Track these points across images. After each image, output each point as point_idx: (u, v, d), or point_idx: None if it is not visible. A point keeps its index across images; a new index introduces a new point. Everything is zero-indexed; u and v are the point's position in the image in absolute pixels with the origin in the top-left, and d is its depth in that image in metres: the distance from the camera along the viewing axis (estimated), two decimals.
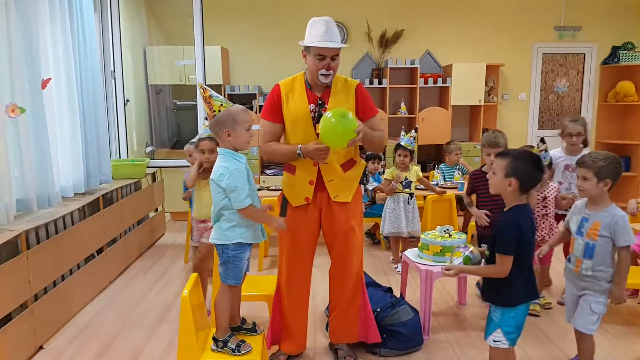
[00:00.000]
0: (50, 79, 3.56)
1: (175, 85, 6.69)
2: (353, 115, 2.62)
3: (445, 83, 6.65)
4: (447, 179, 5.60)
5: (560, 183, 3.73)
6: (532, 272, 2.27)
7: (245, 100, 6.68)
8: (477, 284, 4.00)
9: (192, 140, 4.11)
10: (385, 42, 6.76)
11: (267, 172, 6.69)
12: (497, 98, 6.99)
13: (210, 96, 2.40)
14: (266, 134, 2.82)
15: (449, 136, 6.66)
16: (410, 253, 3.67)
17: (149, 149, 6.48)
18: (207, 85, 2.54)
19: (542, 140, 3.50)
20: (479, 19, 6.96)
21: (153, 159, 6.07)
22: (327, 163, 2.68)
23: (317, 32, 2.62)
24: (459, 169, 5.65)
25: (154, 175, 5.76)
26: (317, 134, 2.68)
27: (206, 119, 4.11)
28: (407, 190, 4.60)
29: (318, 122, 2.69)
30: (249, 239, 2.47)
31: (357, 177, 2.90)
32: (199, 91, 2.50)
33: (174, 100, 6.99)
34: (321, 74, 2.67)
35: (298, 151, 2.66)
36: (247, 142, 2.46)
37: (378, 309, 3.23)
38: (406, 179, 4.59)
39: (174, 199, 6.03)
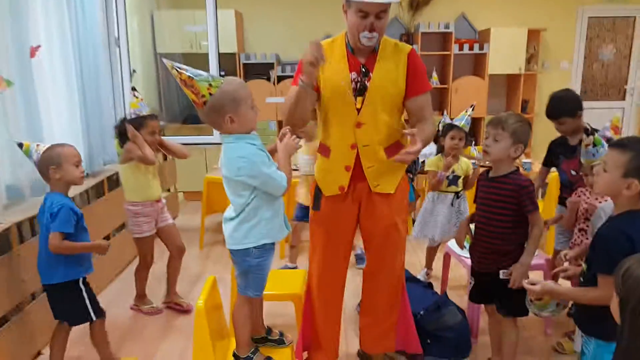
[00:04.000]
0: (39, 46, 3.09)
1: (186, 53, 6.18)
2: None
3: (482, 50, 6.06)
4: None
5: None
6: None
7: (262, 70, 6.18)
8: (569, 313, 2.99)
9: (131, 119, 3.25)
10: (416, 4, 6.15)
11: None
12: (538, 66, 6.38)
13: (191, 77, 1.85)
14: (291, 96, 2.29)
15: (485, 108, 6.11)
16: (455, 245, 3.21)
17: (162, 123, 6.02)
18: (187, 70, 1.91)
19: (587, 132, 2.45)
20: None
21: (163, 135, 5.60)
22: (322, 63, 2.07)
23: None
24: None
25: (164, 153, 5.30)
26: (358, 109, 2.23)
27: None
28: (453, 187, 3.45)
29: (360, 94, 2.22)
30: (276, 235, 2.03)
31: (402, 165, 2.37)
32: (172, 73, 1.95)
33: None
34: (363, 36, 2.15)
35: (300, 82, 2.13)
36: (254, 121, 1.97)
37: (421, 312, 2.82)
38: (453, 172, 3.41)
39: (187, 179, 5.60)
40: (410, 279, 3.17)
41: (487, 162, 2.49)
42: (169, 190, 5.41)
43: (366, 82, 2.24)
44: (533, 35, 6.20)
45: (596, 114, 6.65)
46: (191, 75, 1.87)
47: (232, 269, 2.67)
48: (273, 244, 2.07)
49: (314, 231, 2.49)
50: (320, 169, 2.42)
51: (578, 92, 6.69)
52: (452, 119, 3.54)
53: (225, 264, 4.03)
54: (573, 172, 2.89)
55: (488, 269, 2.40)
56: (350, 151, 2.29)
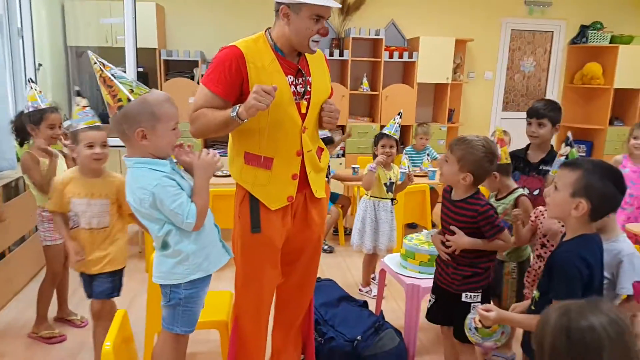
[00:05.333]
0: None
1: (101, 47, 5.68)
2: None
3: (411, 58, 6.04)
4: (415, 164, 5.04)
5: None
6: None
7: (185, 67, 5.81)
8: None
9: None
10: (347, 9, 6.03)
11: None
12: (463, 76, 6.47)
13: (113, 76, 1.61)
14: (204, 104, 2.02)
15: (414, 116, 6.10)
16: (391, 261, 3.09)
17: (67, 123, 5.48)
18: (105, 64, 1.72)
19: (568, 141, 2.32)
20: None
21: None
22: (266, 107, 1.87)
23: None
24: (427, 155, 5.11)
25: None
26: (302, 115, 2.08)
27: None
28: (390, 194, 3.58)
29: (302, 98, 2.07)
30: (209, 267, 1.77)
31: (325, 169, 2.34)
32: (93, 67, 1.69)
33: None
34: (313, 40, 2.00)
35: (233, 113, 1.89)
36: (172, 146, 1.73)
37: (359, 337, 2.65)
38: (390, 179, 3.56)
39: None
40: (345, 298, 3.01)
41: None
42: None
43: (307, 85, 2.10)
44: (460, 46, 6.26)
45: (516, 124, 6.87)
46: (114, 73, 1.64)
47: (148, 284, 2.38)
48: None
49: (249, 254, 2.20)
50: (260, 182, 2.12)
51: (501, 102, 6.90)
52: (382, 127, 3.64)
53: (140, 280, 3.67)
54: (535, 192, 2.78)
55: (451, 289, 2.26)
56: (296, 158, 2.13)
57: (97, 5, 5.58)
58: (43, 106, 2.89)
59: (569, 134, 2.40)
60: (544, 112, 2.78)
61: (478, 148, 2.12)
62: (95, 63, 1.70)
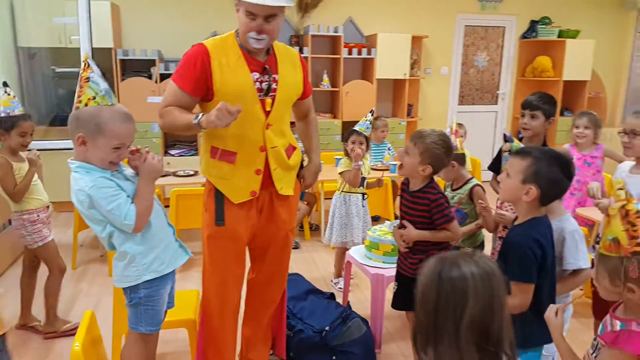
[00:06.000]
0: None
1: (54, 48, 5.54)
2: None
3: (370, 54, 6.13)
4: (376, 159, 5.12)
5: None
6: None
7: (142, 67, 5.72)
8: None
9: None
10: (305, 6, 6.06)
11: (172, 152, 5.82)
12: (420, 72, 6.61)
13: (88, 79, 1.66)
14: (173, 100, 2.10)
15: (375, 112, 6.18)
16: (356, 252, 3.15)
17: None
18: (91, 60, 1.79)
19: (506, 138, 2.47)
20: None
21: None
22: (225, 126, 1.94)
23: None
24: (388, 149, 5.20)
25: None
26: (267, 112, 2.12)
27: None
28: (361, 188, 3.64)
29: (267, 95, 2.11)
30: (160, 267, 1.78)
31: (295, 167, 2.37)
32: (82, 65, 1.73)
33: (52, 67, 5.82)
34: (250, 37, 2.02)
35: (195, 121, 1.97)
36: (107, 162, 1.74)
37: (327, 327, 2.70)
38: (361, 174, 3.58)
39: (57, 188, 5.00)
40: (313, 291, 3.06)
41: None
42: None
43: (272, 82, 2.13)
44: (416, 42, 6.39)
45: (471, 117, 7.08)
46: (90, 76, 1.70)
47: (113, 290, 2.37)
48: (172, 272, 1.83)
49: (214, 247, 2.25)
50: (224, 176, 2.18)
51: (457, 96, 7.08)
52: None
53: (103, 285, 3.63)
54: None
55: (410, 274, 2.33)
56: (260, 154, 2.17)
57: (48, 4, 5.43)
58: (16, 112, 2.89)
59: (504, 131, 2.54)
60: (537, 104, 2.78)
61: (438, 142, 2.24)
62: (84, 62, 1.76)
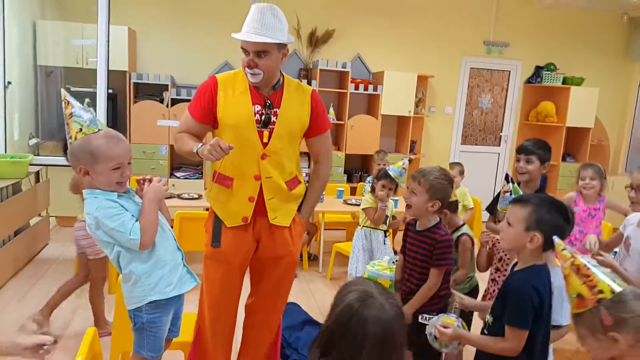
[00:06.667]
0: None
1: (70, 67, 5.70)
2: None
3: (376, 90, 6.27)
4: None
5: None
6: (546, 352, 1.83)
7: (155, 91, 5.87)
8: None
9: None
10: (315, 41, 6.24)
11: (177, 174, 5.92)
12: (425, 110, 6.74)
13: (71, 115, 1.75)
14: (185, 127, 2.32)
15: (378, 146, 6.29)
16: None
17: (34, 141, 5.44)
18: (70, 98, 1.90)
19: (508, 178, 2.57)
20: (410, 27, 6.66)
21: (38, 154, 5.08)
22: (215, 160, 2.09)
23: (247, 20, 2.13)
24: None
25: (37, 174, 4.80)
26: (264, 143, 2.22)
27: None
28: (382, 226, 3.81)
29: (265, 127, 2.21)
30: (169, 291, 1.84)
31: (298, 199, 2.43)
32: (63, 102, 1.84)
33: (68, 86, 5.95)
34: (247, 72, 2.18)
35: (195, 149, 2.13)
36: (114, 183, 1.83)
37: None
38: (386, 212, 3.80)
39: (62, 202, 5.09)
40: (310, 322, 3.09)
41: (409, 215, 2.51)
42: (39, 215, 4.87)
43: (272, 115, 2.23)
44: (421, 81, 6.54)
45: (474, 157, 7.18)
46: (73, 112, 1.77)
47: (114, 308, 2.43)
48: (173, 299, 1.88)
49: (209, 267, 2.35)
50: (220, 200, 2.32)
51: (460, 135, 7.19)
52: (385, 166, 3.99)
53: (105, 300, 3.65)
54: None
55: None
56: (254, 182, 2.26)
57: (69, 26, 5.62)
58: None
59: (508, 171, 2.61)
60: (532, 149, 2.87)
61: (440, 176, 2.33)
62: (63, 100, 1.84)
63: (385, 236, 3.79)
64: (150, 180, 1.93)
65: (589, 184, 3.65)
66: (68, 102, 1.81)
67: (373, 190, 3.82)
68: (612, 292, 1.35)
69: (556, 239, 1.59)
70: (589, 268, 1.41)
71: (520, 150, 2.95)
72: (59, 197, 5.02)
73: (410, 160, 3.85)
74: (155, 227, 1.85)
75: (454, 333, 1.88)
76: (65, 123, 1.82)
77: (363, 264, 3.65)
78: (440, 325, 1.92)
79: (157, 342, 1.88)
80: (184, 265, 2.01)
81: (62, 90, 1.90)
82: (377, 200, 3.70)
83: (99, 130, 1.82)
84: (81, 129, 1.78)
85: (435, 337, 2.02)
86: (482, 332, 1.94)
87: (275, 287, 2.46)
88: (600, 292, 1.37)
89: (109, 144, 1.81)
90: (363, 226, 3.79)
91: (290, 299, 3.69)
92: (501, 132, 7.34)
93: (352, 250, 3.81)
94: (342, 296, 1.37)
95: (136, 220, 1.81)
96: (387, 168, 3.77)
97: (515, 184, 2.50)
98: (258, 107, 2.23)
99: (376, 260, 3.21)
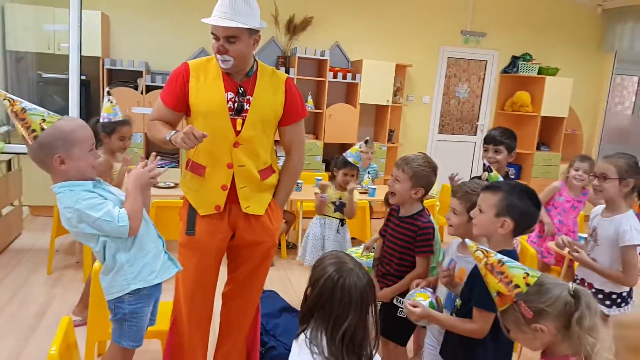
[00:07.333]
0: None
1: (42, 53, 5.55)
2: None
3: (355, 79, 6.26)
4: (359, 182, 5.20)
5: None
6: None
7: (129, 77, 5.77)
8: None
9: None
10: (293, 29, 6.19)
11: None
12: (403, 99, 6.76)
13: (24, 109, 1.68)
14: (157, 114, 2.28)
15: (356, 135, 6.30)
16: None
17: (4, 128, 5.30)
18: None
19: (485, 168, 2.56)
20: (389, 16, 6.65)
21: (9, 142, 4.95)
22: (189, 148, 2.09)
23: (217, 4, 2.11)
24: (368, 172, 5.28)
25: (9, 163, 4.70)
26: (237, 131, 2.19)
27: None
28: (338, 214, 3.57)
29: (238, 114, 2.18)
30: (152, 279, 1.82)
31: (271, 189, 2.40)
32: (3, 103, 1.75)
33: (39, 72, 5.81)
34: (218, 58, 2.16)
35: (168, 137, 2.10)
36: (92, 166, 1.80)
37: None
38: (340, 199, 3.56)
39: (35, 190, 5.00)
40: (287, 309, 3.10)
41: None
42: (12, 204, 4.76)
43: (244, 103, 2.20)
44: (400, 70, 6.55)
45: (451, 146, 7.25)
46: (25, 107, 1.70)
47: (90, 297, 2.39)
48: (154, 287, 1.87)
49: (184, 256, 2.32)
50: (193, 188, 2.30)
51: (437, 125, 7.24)
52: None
53: (78, 291, 3.61)
54: None
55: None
56: (227, 170, 2.24)
57: (39, 10, 5.46)
58: (117, 118, 3.21)
59: (485, 161, 2.64)
60: (500, 139, 2.94)
61: (424, 164, 2.36)
62: (5, 99, 1.73)
63: (342, 225, 3.61)
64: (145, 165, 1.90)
65: (581, 176, 3.70)
66: (12, 99, 1.72)
67: (331, 178, 3.65)
68: (527, 284, 1.40)
69: (468, 241, 1.64)
70: (502, 264, 1.45)
71: (488, 140, 3.01)
72: (32, 185, 4.92)
73: (367, 142, 3.65)
74: (141, 212, 1.84)
75: (422, 312, 1.92)
76: (19, 120, 1.71)
77: (311, 250, 3.56)
78: (411, 304, 1.95)
79: (138, 332, 1.86)
80: (165, 252, 1.99)
81: (1, 92, 1.78)
82: (319, 185, 3.58)
83: (61, 118, 1.77)
84: (44, 119, 1.72)
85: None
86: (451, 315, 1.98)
87: (251, 273, 2.45)
88: (517, 286, 1.41)
89: (79, 127, 1.79)
90: (318, 214, 3.63)
91: (268, 286, 3.71)
92: (477, 121, 7.42)
93: (304, 236, 3.67)
94: (320, 269, 1.53)
95: (120, 207, 1.78)
96: (344, 155, 3.58)
97: (494, 173, 2.53)
98: (231, 95, 2.19)
99: (353, 248, 3.23)
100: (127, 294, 1.80)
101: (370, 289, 1.51)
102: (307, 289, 1.55)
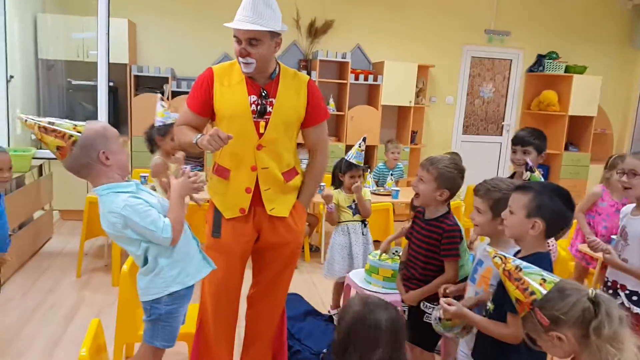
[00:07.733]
0: None
1: (71, 61, 5.71)
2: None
3: (376, 81, 6.26)
4: (380, 184, 5.19)
5: None
6: None
7: (155, 83, 5.88)
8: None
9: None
10: (315, 32, 6.22)
11: (183, 167, 5.91)
12: (425, 100, 6.72)
13: (51, 122, 1.73)
14: (184, 119, 2.33)
15: (378, 137, 6.29)
16: (356, 276, 3.20)
17: None
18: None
19: (527, 167, 2.48)
20: (410, 17, 6.64)
21: (40, 148, 5.09)
22: (213, 151, 2.14)
23: (240, 8, 2.13)
24: (392, 174, 5.26)
25: (40, 168, 4.82)
26: (260, 134, 2.21)
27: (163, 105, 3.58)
28: (358, 216, 3.48)
29: (260, 117, 2.20)
30: (185, 279, 1.86)
31: (295, 191, 2.42)
32: (27, 125, 1.80)
33: (69, 79, 5.97)
34: (240, 61, 2.17)
35: (194, 140, 2.14)
36: (125, 162, 1.89)
37: (324, 350, 2.75)
38: (354, 201, 3.47)
39: (65, 195, 5.11)
40: (311, 312, 3.11)
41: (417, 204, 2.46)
42: (43, 208, 4.89)
43: (267, 105, 2.22)
44: (422, 71, 6.51)
45: (475, 147, 7.17)
46: (51, 121, 1.75)
47: (118, 300, 2.44)
48: (189, 288, 1.90)
49: (210, 256, 2.33)
50: (218, 191, 2.34)
51: (461, 125, 7.17)
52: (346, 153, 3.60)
53: (106, 294, 3.69)
54: None
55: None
56: (251, 173, 2.26)
57: (69, 20, 5.62)
58: (170, 122, 3.37)
59: (528, 159, 2.57)
60: (529, 140, 2.83)
61: (450, 165, 2.31)
62: (27, 120, 1.77)
63: (365, 226, 3.53)
64: (183, 173, 1.95)
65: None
66: (34, 118, 1.77)
67: (338, 183, 3.54)
68: (544, 290, 1.36)
69: (488, 247, 1.61)
70: (519, 271, 1.42)
71: (516, 141, 2.90)
72: (62, 190, 5.04)
73: (364, 139, 3.53)
74: (182, 223, 1.88)
75: (457, 310, 1.87)
76: (50, 131, 1.74)
77: (341, 261, 3.43)
78: (446, 301, 1.92)
79: (172, 332, 1.90)
80: (199, 251, 2.03)
81: (21, 115, 1.85)
82: (322, 195, 3.47)
83: (85, 124, 1.84)
84: (75, 126, 1.77)
85: (440, 319, 2.01)
86: None
87: (276, 276, 2.46)
88: (532, 293, 1.37)
89: (107, 125, 1.88)
90: (338, 222, 3.51)
91: (292, 290, 3.72)
92: (503, 121, 7.33)
93: (329, 250, 3.51)
94: (345, 311, 1.55)
95: (164, 216, 1.82)
96: (346, 157, 3.50)
97: (537, 173, 2.46)
98: (254, 97, 2.22)
99: (377, 250, 3.21)
100: (166, 295, 1.83)
101: (401, 319, 1.53)
102: (336, 330, 1.58)
